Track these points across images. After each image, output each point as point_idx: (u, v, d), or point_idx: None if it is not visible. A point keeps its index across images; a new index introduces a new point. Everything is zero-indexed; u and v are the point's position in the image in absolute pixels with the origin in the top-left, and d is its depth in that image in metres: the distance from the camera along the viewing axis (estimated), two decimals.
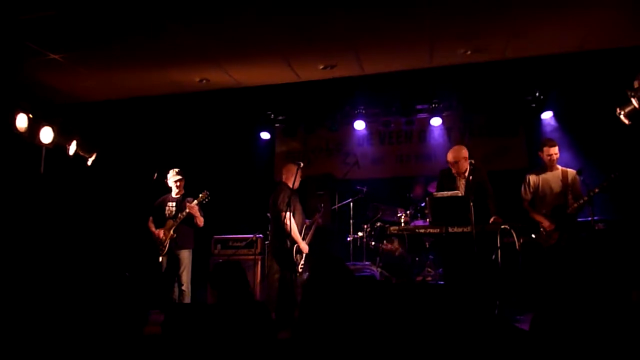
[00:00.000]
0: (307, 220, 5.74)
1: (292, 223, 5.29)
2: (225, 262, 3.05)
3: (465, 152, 5.26)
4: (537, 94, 6.70)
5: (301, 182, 5.61)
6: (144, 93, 6.56)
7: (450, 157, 5.30)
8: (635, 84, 4.83)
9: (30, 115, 5.69)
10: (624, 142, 5.84)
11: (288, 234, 5.29)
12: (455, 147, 5.38)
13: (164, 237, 5.60)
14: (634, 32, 4.91)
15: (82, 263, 6.28)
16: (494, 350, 2.04)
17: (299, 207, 5.50)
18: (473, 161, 5.10)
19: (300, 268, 5.39)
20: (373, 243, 6.26)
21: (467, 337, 1.99)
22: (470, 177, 4.97)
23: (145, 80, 6.08)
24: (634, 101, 4.95)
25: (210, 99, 6.83)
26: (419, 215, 6.19)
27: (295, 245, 5.39)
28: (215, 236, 6.81)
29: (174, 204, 5.75)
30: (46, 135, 5.92)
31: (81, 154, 6.46)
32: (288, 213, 5.20)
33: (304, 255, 5.42)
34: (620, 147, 5.91)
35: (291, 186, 5.33)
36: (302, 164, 5.47)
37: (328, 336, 1.80)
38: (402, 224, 5.90)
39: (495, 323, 2.01)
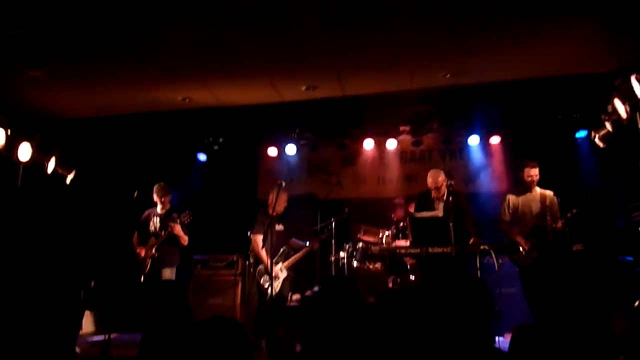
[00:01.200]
0: (299, 243, 5.86)
1: (258, 244, 5.55)
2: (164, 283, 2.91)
3: (443, 176, 5.33)
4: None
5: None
6: (124, 110, 6.52)
7: (430, 181, 5.35)
8: (609, 109, 4.98)
9: (9, 131, 5.60)
10: (598, 164, 5.99)
11: (256, 255, 5.59)
12: (433, 172, 5.44)
13: (144, 256, 5.51)
14: (608, 59, 5.06)
15: (61, 281, 6.14)
16: None
17: (276, 228, 5.52)
18: (453, 182, 5.15)
19: (269, 290, 5.31)
20: (355, 263, 6.25)
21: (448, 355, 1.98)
22: (450, 199, 5.02)
23: (125, 97, 6.06)
24: (608, 125, 5.10)
25: (190, 117, 6.81)
26: (400, 235, 6.21)
27: (261, 267, 5.55)
28: (195, 256, 6.73)
29: (159, 219, 5.69)
30: (24, 151, 5.81)
31: (60, 171, 6.36)
32: (253, 235, 5.56)
33: (275, 276, 5.40)
34: (593, 170, 6.06)
35: (270, 209, 5.47)
36: (283, 183, 5.49)
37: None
38: (384, 245, 5.91)
39: (475, 343, 2.01)
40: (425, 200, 5.42)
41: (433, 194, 5.34)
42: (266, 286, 5.39)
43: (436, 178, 5.31)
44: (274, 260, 5.34)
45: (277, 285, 5.47)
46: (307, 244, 5.81)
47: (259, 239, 5.56)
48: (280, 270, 5.60)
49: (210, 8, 4.09)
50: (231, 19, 4.29)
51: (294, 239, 5.93)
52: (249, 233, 5.75)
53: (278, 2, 4.05)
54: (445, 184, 5.23)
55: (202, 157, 7.89)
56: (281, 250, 5.60)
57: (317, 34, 4.59)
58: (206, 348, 1.64)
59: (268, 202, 5.66)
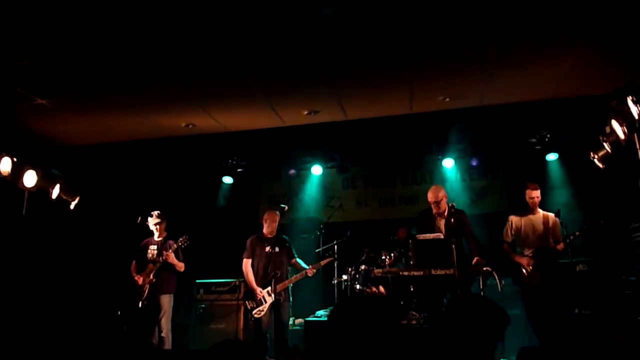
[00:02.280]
0: (302, 265, 5.74)
1: (245, 267, 5.57)
2: None
3: (443, 191, 5.37)
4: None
5: (285, 225, 5.69)
6: (128, 137, 6.61)
7: (430, 196, 5.38)
8: (607, 130, 5.03)
9: (15, 159, 5.68)
10: (599, 186, 6.02)
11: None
12: (434, 187, 5.49)
13: (142, 282, 5.53)
14: (604, 81, 5.15)
15: (63, 307, 6.13)
16: None
17: (258, 251, 5.60)
18: (453, 204, 5.19)
19: (255, 313, 5.40)
20: (358, 286, 6.22)
21: None
22: (452, 219, 5.05)
23: (130, 125, 6.15)
24: (606, 146, 5.15)
25: (194, 142, 6.89)
26: (403, 258, 6.21)
27: (247, 290, 5.60)
28: (198, 281, 6.73)
29: (156, 247, 5.72)
30: (30, 178, 5.88)
31: (64, 197, 6.42)
32: (244, 259, 5.59)
33: (260, 299, 5.43)
34: (595, 191, 6.09)
35: (264, 231, 5.65)
36: (286, 207, 5.56)
37: None
38: (387, 267, 5.90)
39: None
40: (426, 217, 5.44)
41: (434, 209, 5.35)
42: (252, 310, 5.43)
43: (437, 193, 5.34)
44: (263, 284, 5.45)
45: (264, 309, 5.42)
46: (309, 267, 5.73)
47: (245, 262, 5.61)
48: (268, 294, 5.46)
49: (212, 37, 4.21)
50: (232, 48, 4.41)
51: (295, 260, 5.80)
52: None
53: (279, 33, 4.17)
54: (445, 199, 5.28)
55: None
56: (272, 273, 5.46)
57: (316, 61, 4.69)
58: None
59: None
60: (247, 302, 5.55)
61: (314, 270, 5.70)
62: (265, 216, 5.74)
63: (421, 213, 5.59)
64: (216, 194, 8.04)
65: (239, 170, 7.73)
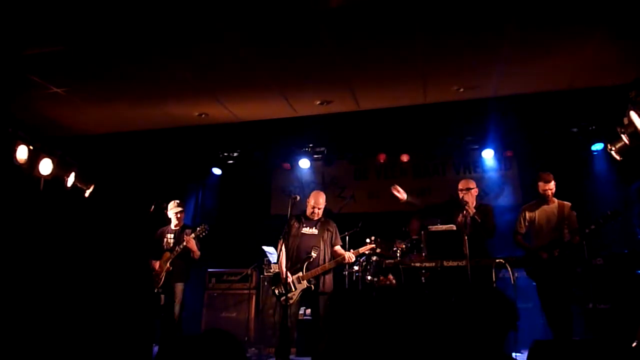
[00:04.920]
0: (341, 251, 5.25)
1: (280, 252, 5.14)
2: None
3: (473, 183, 5.36)
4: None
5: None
6: (142, 127, 6.64)
7: (462, 184, 5.36)
8: (625, 121, 4.94)
9: (31, 147, 5.75)
10: (615, 177, 5.93)
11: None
12: (464, 180, 5.50)
13: (159, 270, 5.59)
14: (621, 71, 5.05)
15: (79, 295, 6.22)
16: None
17: (295, 232, 5.16)
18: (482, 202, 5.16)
19: (283, 301, 4.90)
20: (369, 277, 6.22)
21: None
22: (477, 217, 5.00)
23: (144, 114, 6.17)
24: (624, 137, 5.06)
25: (206, 132, 6.92)
26: (414, 249, 6.18)
27: (275, 274, 5.24)
28: (210, 269, 6.78)
29: (172, 235, 5.77)
30: (45, 166, 5.96)
31: (79, 185, 6.50)
32: (280, 240, 5.12)
33: (290, 285, 4.98)
34: (610, 183, 6.00)
35: (307, 212, 5.32)
36: (298, 198, 5.50)
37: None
38: (398, 258, 5.89)
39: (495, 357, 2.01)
40: (455, 205, 5.30)
41: (461, 195, 5.23)
42: (280, 297, 4.99)
43: (467, 184, 5.33)
44: (295, 268, 5.03)
45: (293, 296, 4.98)
46: (347, 254, 5.18)
47: (280, 244, 5.13)
48: (298, 280, 5.03)
49: (227, 24, 4.20)
50: (247, 35, 4.39)
51: (339, 248, 5.32)
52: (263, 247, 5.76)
53: (292, 20, 4.14)
54: (474, 191, 5.26)
55: (217, 171, 7.96)
56: (305, 257, 5.03)
57: (331, 50, 4.66)
58: None
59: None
60: (274, 288, 5.11)
61: (353, 257, 5.19)
62: (310, 196, 5.38)
63: (452, 196, 5.46)
64: (228, 183, 8.08)
65: (249, 159, 7.75)
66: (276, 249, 5.43)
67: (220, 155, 7.71)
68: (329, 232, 5.24)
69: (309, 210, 5.30)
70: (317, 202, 5.29)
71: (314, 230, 5.21)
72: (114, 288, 6.25)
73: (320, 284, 4.99)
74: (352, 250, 5.18)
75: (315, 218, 5.28)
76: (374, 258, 6.21)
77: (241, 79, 5.31)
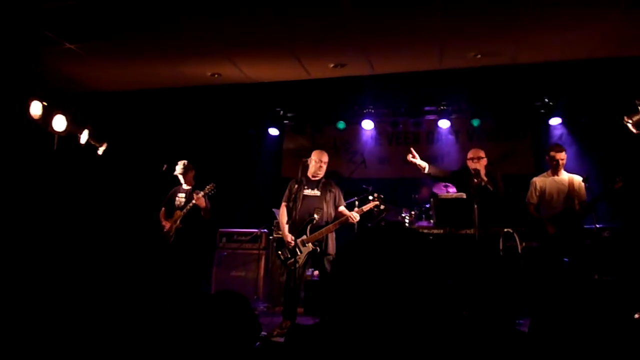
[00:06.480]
0: (347, 212, 5.03)
1: (279, 213, 5.11)
2: None
3: (482, 152, 5.19)
4: (546, 100, 6.75)
5: None
6: (155, 85, 6.64)
7: (471, 153, 5.23)
8: None
9: (45, 103, 5.78)
10: (631, 151, 5.86)
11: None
12: (474, 149, 5.33)
13: (169, 228, 5.70)
14: None
15: (91, 254, 6.38)
16: (493, 351, 2.08)
17: (297, 194, 4.97)
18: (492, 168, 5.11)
19: (290, 264, 4.86)
20: None
21: (466, 337, 2.03)
22: (489, 185, 4.94)
23: (157, 72, 6.15)
24: None
25: (221, 92, 6.90)
26: (423, 216, 6.23)
27: (279, 238, 5.13)
28: (221, 229, 6.90)
29: (184, 195, 5.85)
30: (59, 123, 6.01)
31: (92, 143, 6.56)
32: (282, 202, 5.10)
33: (293, 249, 4.88)
34: (627, 156, 5.93)
35: (308, 172, 5.11)
36: (308, 161, 5.40)
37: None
38: (406, 225, 5.94)
39: (496, 324, 2.04)
40: (466, 174, 5.20)
41: (470, 165, 5.11)
42: (286, 261, 4.91)
43: (477, 153, 5.18)
44: (299, 231, 4.90)
45: (299, 259, 4.87)
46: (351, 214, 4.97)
47: (282, 206, 5.08)
48: (303, 243, 4.90)
49: None
50: None
51: (343, 209, 5.13)
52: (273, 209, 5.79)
53: None
54: (485, 162, 5.11)
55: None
56: (308, 219, 4.90)
57: (348, 10, 4.56)
58: (212, 320, 1.71)
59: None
60: (279, 252, 5.00)
61: (357, 217, 4.97)
62: (312, 155, 5.17)
63: (465, 166, 5.35)
64: (241, 146, 8.10)
65: (263, 122, 7.75)
66: None
67: (234, 117, 7.71)
68: (331, 193, 5.10)
69: (314, 168, 5.09)
70: (322, 158, 5.12)
71: (316, 192, 5.04)
72: (124, 246, 6.41)
73: (324, 246, 4.90)
74: (356, 209, 5.04)
75: (320, 175, 5.12)
76: (382, 224, 6.25)
77: (257, 40, 5.24)
